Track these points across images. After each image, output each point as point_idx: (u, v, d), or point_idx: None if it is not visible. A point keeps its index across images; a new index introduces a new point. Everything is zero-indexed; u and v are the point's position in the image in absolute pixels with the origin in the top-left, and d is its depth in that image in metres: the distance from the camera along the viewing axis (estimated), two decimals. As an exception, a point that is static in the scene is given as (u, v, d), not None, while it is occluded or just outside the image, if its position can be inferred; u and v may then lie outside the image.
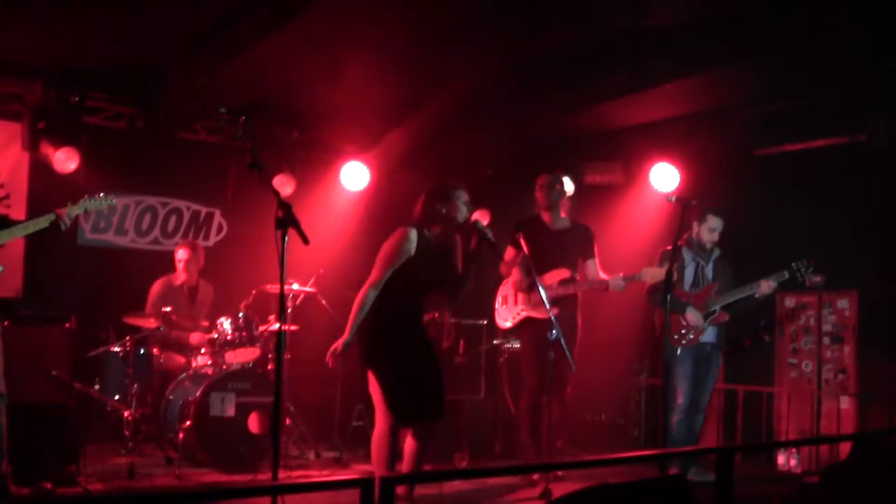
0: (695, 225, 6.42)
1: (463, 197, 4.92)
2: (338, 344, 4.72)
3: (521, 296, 6.23)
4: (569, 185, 8.21)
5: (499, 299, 6.43)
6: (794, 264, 6.15)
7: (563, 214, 6.34)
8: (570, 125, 7.57)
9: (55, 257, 7.37)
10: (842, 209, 6.87)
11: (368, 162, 8.25)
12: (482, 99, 7.26)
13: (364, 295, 4.74)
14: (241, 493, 2.45)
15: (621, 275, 6.05)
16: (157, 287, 7.21)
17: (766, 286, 6.19)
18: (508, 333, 6.93)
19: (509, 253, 6.23)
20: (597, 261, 6.26)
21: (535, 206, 6.37)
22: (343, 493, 2.52)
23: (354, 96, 7.31)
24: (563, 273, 6.13)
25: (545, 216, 6.30)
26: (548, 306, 5.25)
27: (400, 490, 4.78)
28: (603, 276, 6.17)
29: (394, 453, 4.78)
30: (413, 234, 4.83)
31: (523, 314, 6.22)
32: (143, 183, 8.04)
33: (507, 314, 6.33)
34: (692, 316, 6.29)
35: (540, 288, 5.31)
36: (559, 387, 6.00)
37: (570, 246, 6.21)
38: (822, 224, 6.94)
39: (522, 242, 5.59)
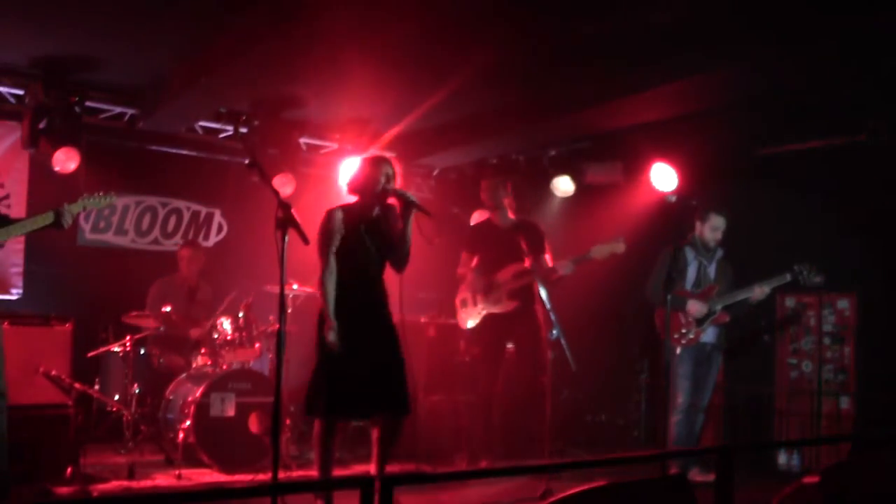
0: (697, 224, 6.43)
1: (383, 167, 4.93)
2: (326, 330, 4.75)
3: (479, 296, 6.49)
4: (568, 185, 8.24)
5: (458, 302, 6.68)
6: (795, 267, 6.16)
7: (510, 214, 6.60)
8: (571, 125, 7.56)
9: (55, 257, 7.38)
10: (842, 209, 6.87)
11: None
12: (483, 98, 7.26)
13: (319, 283, 4.82)
14: (241, 494, 2.44)
15: (570, 258, 6.26)
16: (156, 287, 7.23)
17: (759, 291, 6.19)
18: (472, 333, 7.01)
19: (464, 256, 6.64)
20: (548, 256, 6.42)
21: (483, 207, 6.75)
22: (343, 492, 2.52)
23: (355, 96, 7.31)
24: (517, 266, 6.27)
25: (493, 217, 6.62)
26: (548, 305, 5.25)
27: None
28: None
29: (328, 450, 4.75)
30: (337, 213, 4.89)
31: (484, 312, 6.48)
32: (143, 183, 8.04)
33: (468, 315, 6.60)
34: (694, 306, 6.27)
35: (541, 288, 5.32)
36: (540, 380, 6.14)
37: (520, 242, 6.29)
38: (822, 224, 6.94)
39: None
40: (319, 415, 4.75)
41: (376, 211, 4.98)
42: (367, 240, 4.91)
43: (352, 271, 4.86)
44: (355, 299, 4.83)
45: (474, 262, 6.57)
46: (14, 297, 7.26)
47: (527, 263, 6.20)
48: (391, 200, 4.96)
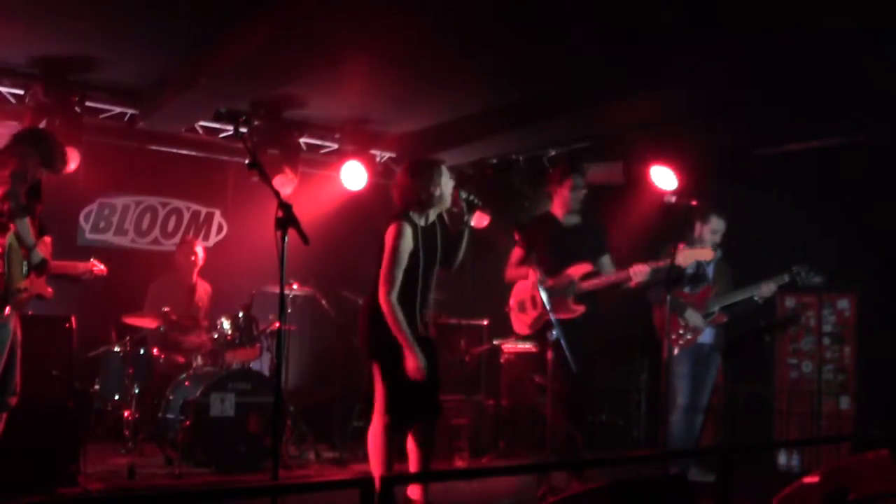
0: (697, 225, 6.41)
1: (444, 173, 4.84)
2: (416, 363, 4.62)
3: (538, 298, 5.69)
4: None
5: (515, 304, 6.00)
6: (794, 268, 6.14)
7: (576, 212, 6.04)
8: (571, 125, 7.56)
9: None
10: (842, 209, 6.87)
11: (369, 161, 8.25)
12: (483, 98, 7.27)
13: (390, 305, 4.63)
14: (241, 493, 2.45)
15: (647, 264, 5.67)
16: (154, 286, 7.23)
17: (766, 289, 6.18)
18: (528, 339, 6.40)
19: (516, 254, 5.98)
20: (610, 257, 5.99)
21: (550, 203, 6.08)
22: (343, 492, 2.52)
23: (355, 95, 7.31)
24: (586, 267, 5.77)
25: (559, 214, 6.00)
26: (548, 307, 5.21)
27: (415, 496, 4.78)
28: (619, 270, 5.87)
29: (392, 452, 4.74)
30: (407, 230, 4.70)
31: (546, 317, 5.63)
32: (143, 183, 8.05)
33: (527, 320, 5.89)
34: (692, 317, 6.28)
35: (541, 290, 5.26)
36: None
37: (586, 242, 5.90)
38: (822, 224, 6.94)
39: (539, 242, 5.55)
40: (404, 424, 4.75)
41: (431, 218, 4.89)
42: (427, 254, 4.81)
43: (409, 287, 4.75)
44: (411, 311, 4.75)
45: (532, 260, 5.83)
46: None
47: (592, 266, 5.78)
48: (455, 204, 4.86)
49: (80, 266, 5.40)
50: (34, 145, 4.93)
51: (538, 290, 5.52)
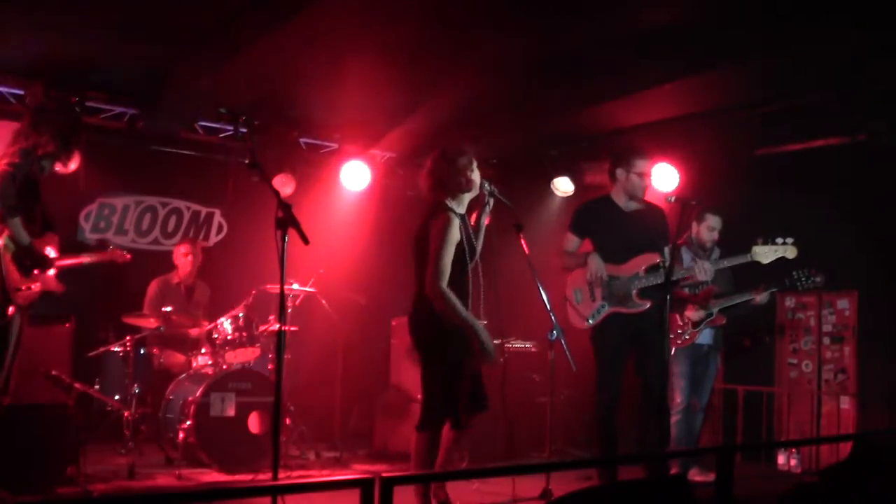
0: (694, 224, 6.42)
1: (472, 161, 4.69)
2: (486, 342, 4.49)
3: (598, 290, 5.47)
4: (568, 185, 8.23)
5: (574, 294, 5.62)
6: (794, 273, 6.13)
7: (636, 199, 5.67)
8: (571, 125, 7.57)
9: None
10: (842, 209, 6.87)
11: (369, 161, 8.26)
12: (483, 99, 7.26)
13: (445, 294, 4.42)
14: (241, 493, 2.44)
15: (712, 259, 5.49)
16: (153, 286, 7.22)
17: (760, 295, 6.17)
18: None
19: (568, 241, 5.64)
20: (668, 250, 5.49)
21: (610, 187, 5.74)
22: (343, 493, 2.52)
23: (355, 95, 7.31)
24: (653, 258, 5.41)
25: (619, 199, 5.61)
26: (548, 307, 5.18)
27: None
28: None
29: (433, 456, 4.64)
30: (455, 220, 4.52)
31: (607, 310, 5.46)
32: (143, 183, 8.05)
33: (586, 311, 5.53)
34: (693, 313, 6.24)
35: (540, 288, 5.17)
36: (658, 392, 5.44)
37: (647, 229, 5.48)
38: (822, 224, 6.94)
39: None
40: (437, 427, 4.63)
41: (464, 208, 4.72)
42: (467, 241, 4.62)
43: (464, 276, 4.60)
44: (469, 303, 4.61)
45: (586, 247, 5.54)
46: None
47: (658, 256, 5.40)
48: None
49: (104, 254, 5.40)
50: (33, 138, 4.91)
51: (597, 282, 5.39)
